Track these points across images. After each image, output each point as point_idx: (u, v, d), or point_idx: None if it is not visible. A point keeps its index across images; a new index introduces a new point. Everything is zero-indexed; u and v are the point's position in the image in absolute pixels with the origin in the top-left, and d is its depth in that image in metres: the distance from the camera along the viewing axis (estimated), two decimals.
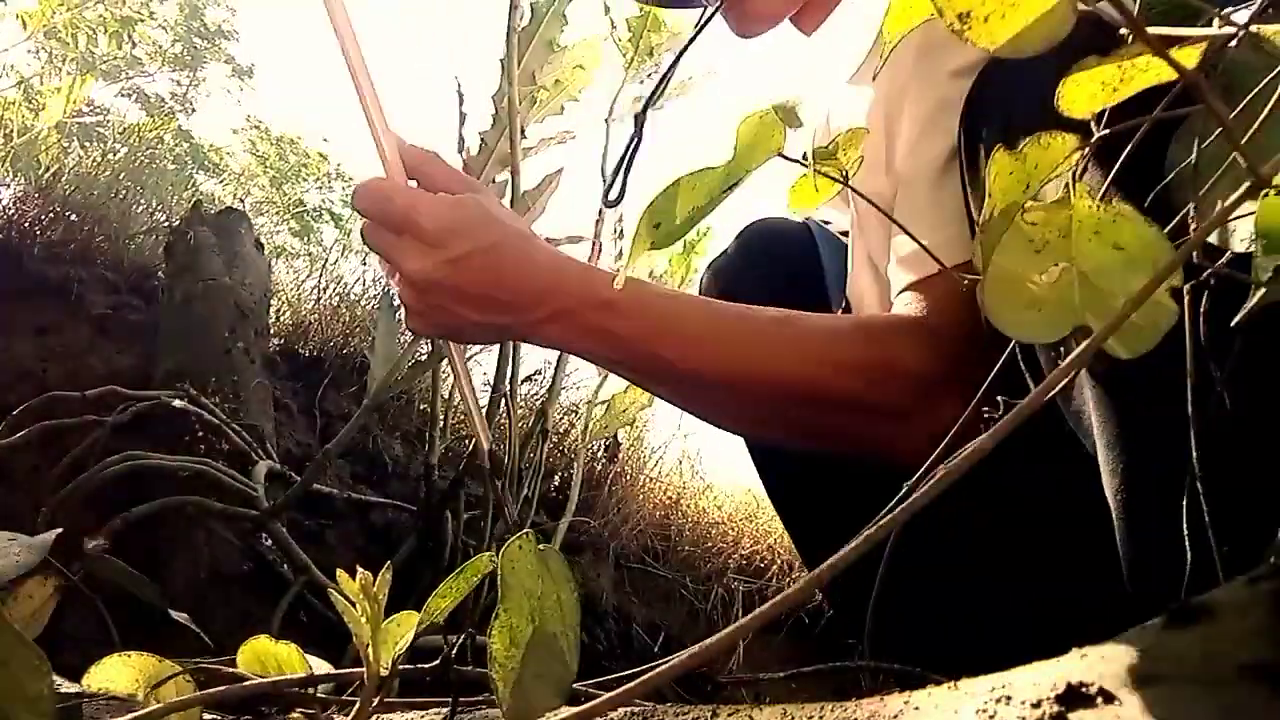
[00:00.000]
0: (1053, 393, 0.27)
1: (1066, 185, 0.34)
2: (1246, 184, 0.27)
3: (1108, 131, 0.34)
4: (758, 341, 0.75)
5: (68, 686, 0.52)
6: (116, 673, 0.51)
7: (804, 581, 0.25)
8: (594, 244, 1.44)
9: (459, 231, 0.74)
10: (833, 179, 0.41)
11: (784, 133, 0.38)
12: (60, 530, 0.78)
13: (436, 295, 0.75)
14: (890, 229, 0.83)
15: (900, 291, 0.78)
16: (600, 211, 1.43)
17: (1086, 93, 0.33)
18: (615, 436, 2.02)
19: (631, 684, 0.28)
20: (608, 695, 0.30)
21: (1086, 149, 0.34)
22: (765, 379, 0.75)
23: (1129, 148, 0.37)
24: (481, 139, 1.44)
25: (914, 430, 0.72)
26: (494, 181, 1.45)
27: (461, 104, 1.45)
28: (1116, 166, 0.38)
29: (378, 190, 0.76)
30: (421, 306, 0.77)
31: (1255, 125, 0.30)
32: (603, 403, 1.65)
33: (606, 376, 1.62)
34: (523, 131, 1.45)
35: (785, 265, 1.11)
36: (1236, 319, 0.31)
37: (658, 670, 0.28)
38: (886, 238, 0.84)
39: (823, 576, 0.26)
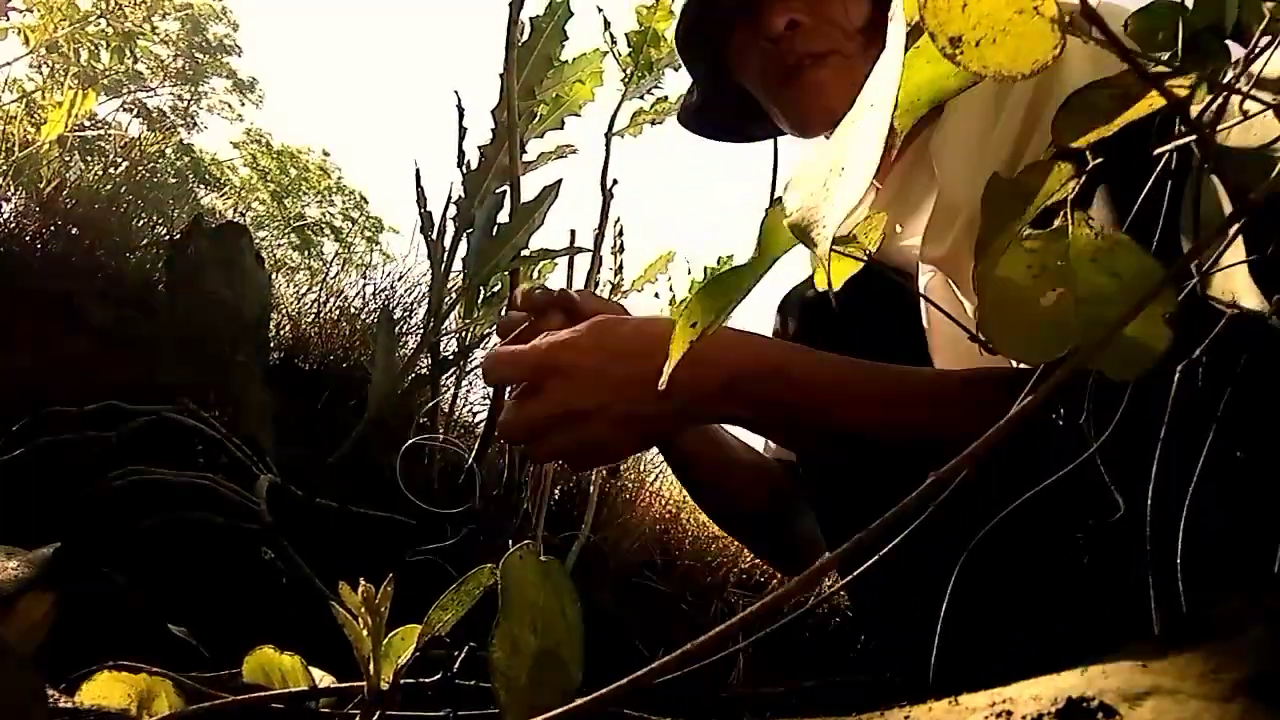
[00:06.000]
0: (1036, 402, 0.27)
1: (1064, 213, 0.35)
2: (1232, 210, 0.27)
3: (1101, 160, 0.34)
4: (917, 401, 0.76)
5: (64, 701, 0.52)
6: (108, 689, 0.50)
7: (794, 582, 0.25)
8: (594, 258, 1.44)
9: (606, 325, 0.74)
10: (856, 259, 0.43)
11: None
12: (59, 544, 0.78)
13: (621, 389, 0.70)
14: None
15: None
16: (600, 226, 1.43)
17: (1082, 122, 0.34)
18: None
19: (621, 682, 0.28)
20: (596, 694, 0.30)
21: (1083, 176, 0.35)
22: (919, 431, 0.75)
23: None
24: (481, 153, 1.45)
25: None
26: (495, 193, 1.46)
27: (462, 118, 1.45)
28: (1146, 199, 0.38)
29: (508, 352, 0.75)
30: (610, 413, 0.71)
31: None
32: None
33: None
34: (522, 146, 1.45)
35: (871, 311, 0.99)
36: None
37: (647, 670, 0.28)
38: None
39: (815, 579, 0.26)
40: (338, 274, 2.74)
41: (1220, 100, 0.33)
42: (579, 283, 1.65)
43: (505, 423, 0.75)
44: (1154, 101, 0.32)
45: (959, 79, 0.34)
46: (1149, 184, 0.39)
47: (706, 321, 0.41)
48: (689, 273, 1.96)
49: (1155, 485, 0.50)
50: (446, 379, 1.77)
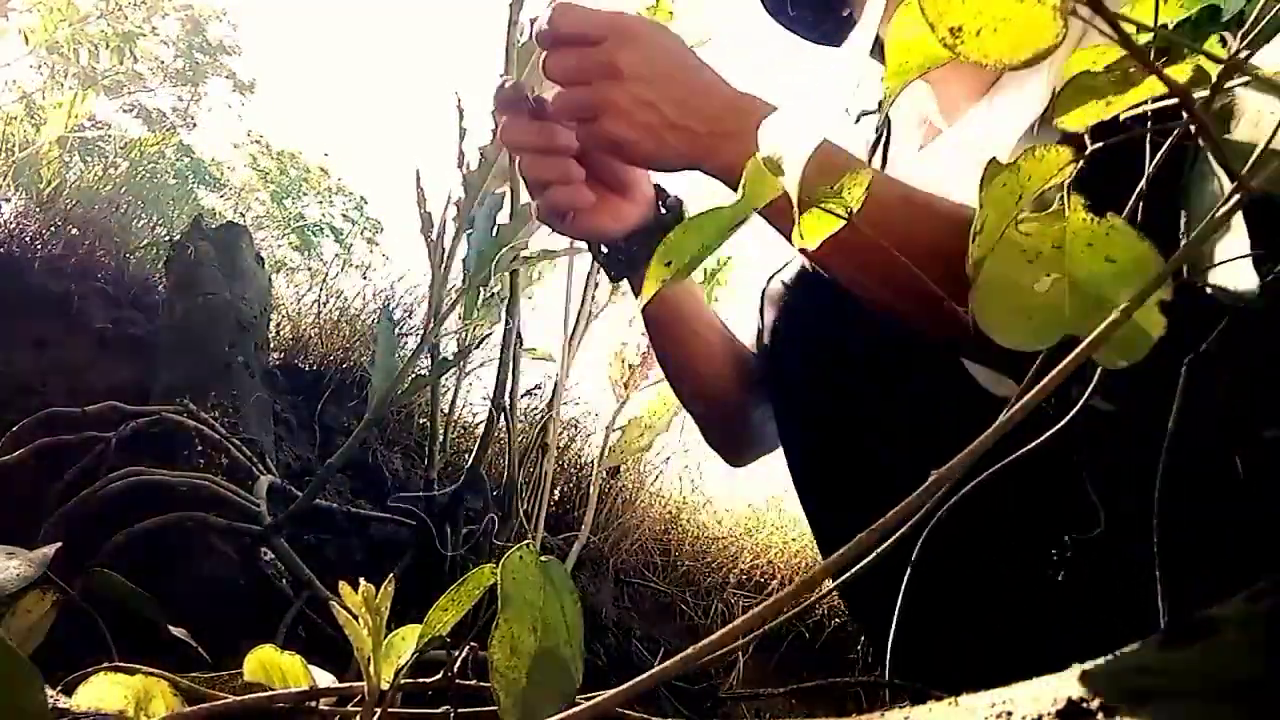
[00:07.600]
0: (1037, 400, 0.27)
1: (1060, 198, 0.34)
2: (1233, 195, 0.27)
3: (1101, 145, 0.34)
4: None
5: (63, 701, 0.52)
6: (105, 690, 0.50)
7: (796, 584, 0.25)
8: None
9: (660, 29, 0.75)
10: (839, 216, 0.40)
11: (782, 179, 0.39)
12: (60, 545, 0.78)
13: (646, 85, 0.72)
14: None
15: None
16: None
17: (1081, 106, 0.34)
18: None
19: (623, 686, 0.28)
20: (598, 698, 0.30)
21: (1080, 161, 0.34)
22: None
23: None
24: (481, 153, 1.44)
25: None
26: (495, 193, 1.46)
27: (462, 119, 1.45)
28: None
29: (576, 9, 0.73)
30: (628, 100, 0.72)
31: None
32: (619, 429, 1.63)
33: (623, 404, 1.59)
34: None
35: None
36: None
37: (650, 674, 0.28)
38: None
39: (817, 580, 0.26)
40: (337, 275, 2.74)
41: (1222, 85, 0.33)
42: (578, 283, 1.65)
43: (570, 66, 0.73)
44: (1155, 86, 0.32)
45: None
46: (1148, 168, 0.39)
47: (682, 261, 0.39)
48: None
49: (1156, 484, 0.50)
50: (446, 379, 1.77)
